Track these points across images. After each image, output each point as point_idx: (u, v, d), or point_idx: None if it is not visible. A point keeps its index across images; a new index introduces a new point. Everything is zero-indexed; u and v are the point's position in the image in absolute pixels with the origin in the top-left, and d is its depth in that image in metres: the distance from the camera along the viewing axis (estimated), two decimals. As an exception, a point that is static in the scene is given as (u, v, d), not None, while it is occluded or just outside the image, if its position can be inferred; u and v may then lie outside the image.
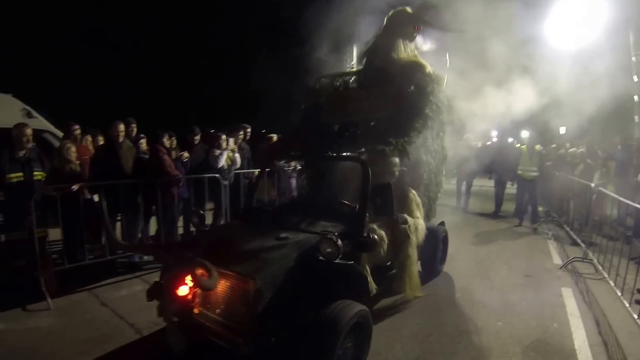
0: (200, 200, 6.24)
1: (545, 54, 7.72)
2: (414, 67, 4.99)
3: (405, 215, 4.30)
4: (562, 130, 13.18)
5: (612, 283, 5.01)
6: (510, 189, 11.00)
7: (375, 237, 3.56)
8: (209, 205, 6.80)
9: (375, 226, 3.85)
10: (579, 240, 6.99)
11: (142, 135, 6.24)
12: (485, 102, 6.94)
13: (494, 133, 13.66)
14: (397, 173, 4.35)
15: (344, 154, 4.56)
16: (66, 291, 4.92)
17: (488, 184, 12.58)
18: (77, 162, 5.24)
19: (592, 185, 6.76)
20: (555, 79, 7.24)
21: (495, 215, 10.09)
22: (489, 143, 12.02)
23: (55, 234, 5.11)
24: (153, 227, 6.25)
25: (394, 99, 4.80)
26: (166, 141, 6.08)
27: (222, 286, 2.92)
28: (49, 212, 4.91)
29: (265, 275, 2.79)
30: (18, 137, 4.83)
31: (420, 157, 4.85)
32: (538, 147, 9.00)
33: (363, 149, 4.46)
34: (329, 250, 3.02)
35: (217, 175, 6.30)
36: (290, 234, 3.40)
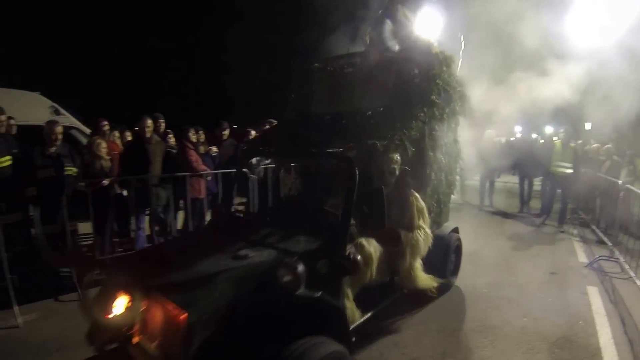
0: (229, 195, 6.41)
1: (574, 45, 7.56)
2: (417, 46, 4.47)
3: (401, 230, 3.64)
4: (588, 126, 13.08)
5: (638, 282, 5.05)
6: (535, 185, 10.90)
7: (358, 257, 2.86)
8: (237, 200, 6.99)
9: (364, 241, 3.26)
10: (605, 239, 7.02)
11: (168, 131, 6.48)
12: (507, 93, 6.86)
13: (518, 128, 13.58)
14: (397, 172, 3.79)
15: (329, 150, 3.88)
16: (97, 283, 5.15)
17: (512, 180, 12.45)
18: (108, 157, 5.47)
19: (620, 182, 6.76)
20: (584, 72, 7.14)
21: (520, 212, 10.01)
22: (512, 139, 11.97)
23: (84, 227, 5.37)
24: (180, 221, 6.45)
25: (393, 84, 4.24)
26: (192, 136, 6.27)
27: (158, 316, 2.40)
28: (79, 206, 5.15)
29: (203, 308, 2.28)
30: (49, 133, 5.07)
31: (426, 153, 4.22)
32: (573, 144, 8.60)
33: (352, 144, 3.79)
34: (286, 279, 2.49)
35: (245, 170, 6.43)
36: (254, 250, 2.90)
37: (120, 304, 2.48)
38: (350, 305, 3.10)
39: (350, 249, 3.01)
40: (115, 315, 2.43)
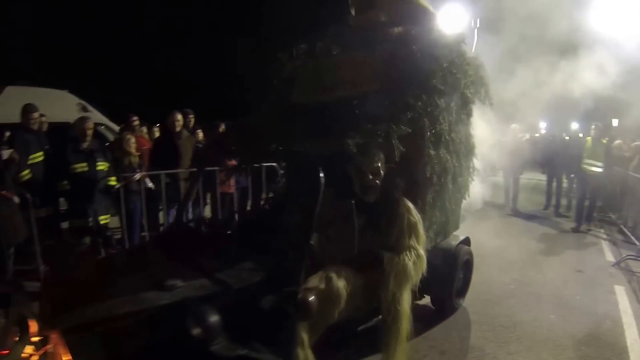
0: (258, 189, 6.58)
1: (602, 38, 7.41)
2: (415, 17, 3.76)
3: (384, 252, 2.82)
4: (615, 122, 12.96)
5: (667, 283, 5.09)
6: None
7: (310, 298, 2.26)
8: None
9: (332, 272, 2.57)
10: (633, 238, 7.03)
11: (197, 126, 6.70)
12: (533, 82, 6.68)
13: (542, 125, 13.47)
14: (382, 172, 3.01)
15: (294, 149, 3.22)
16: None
17: (536, 177, 12.18)
18: (137, 153, 5.71)
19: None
20: (613, 65, 7.01)
21: (546, 209, 9.91)
22: (536, 135, 11.88)
23: (113, 221, 5.63)
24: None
25: (384, 65, 3.54)
26: (222, 131, 6.45)
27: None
28: (109, 200, 5.41)
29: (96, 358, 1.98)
30: (81, 130, 5.31)
31: (426, 151, 3.47)
32: (604, 140, 8.30)
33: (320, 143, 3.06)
34: (195, 331, 2.06)
35: (274, 164, 6.54)
36: (186, 279, 2.46)
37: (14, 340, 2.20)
38: (304, 356, 2.37)
39: (308, 283, 2.46)
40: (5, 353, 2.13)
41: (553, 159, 9.75)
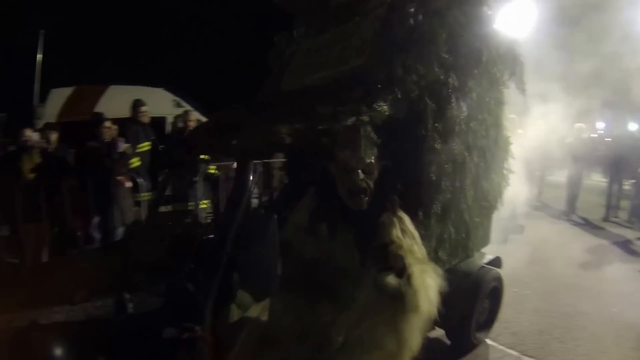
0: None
1: None
2: None
3: (365, 281, 2.15)
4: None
5: None
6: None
7: (202, 346, 1.79)
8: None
9: (281, 303, 2.11)
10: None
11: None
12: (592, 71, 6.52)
13: (601, 125, 13.02)
14: (375, 172, 2.27)
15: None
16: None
17: (596, 178, 11.64)
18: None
19: None
20: None
21: (606, 217, 9.05)
22: (594, 135, 11.57)
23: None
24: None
25: (373, 34, 2.87)
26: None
27: None
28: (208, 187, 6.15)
29: None
30: (184, 122, 6.08)
31: (431, 145, 2.68)
32: None
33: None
34: None
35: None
36: (91, 297, 2.22)
37: None
38: None
39: (248, 312, 2.07)
40: None
41: (616, 161, 9.22)
